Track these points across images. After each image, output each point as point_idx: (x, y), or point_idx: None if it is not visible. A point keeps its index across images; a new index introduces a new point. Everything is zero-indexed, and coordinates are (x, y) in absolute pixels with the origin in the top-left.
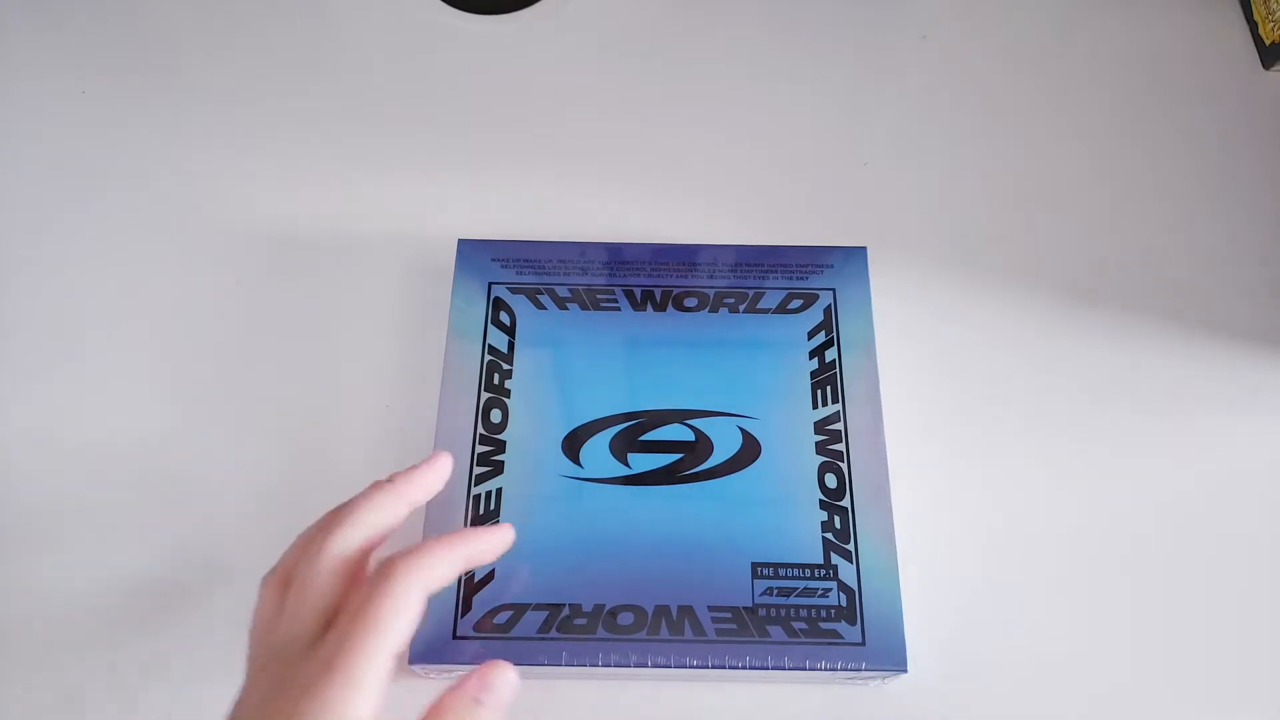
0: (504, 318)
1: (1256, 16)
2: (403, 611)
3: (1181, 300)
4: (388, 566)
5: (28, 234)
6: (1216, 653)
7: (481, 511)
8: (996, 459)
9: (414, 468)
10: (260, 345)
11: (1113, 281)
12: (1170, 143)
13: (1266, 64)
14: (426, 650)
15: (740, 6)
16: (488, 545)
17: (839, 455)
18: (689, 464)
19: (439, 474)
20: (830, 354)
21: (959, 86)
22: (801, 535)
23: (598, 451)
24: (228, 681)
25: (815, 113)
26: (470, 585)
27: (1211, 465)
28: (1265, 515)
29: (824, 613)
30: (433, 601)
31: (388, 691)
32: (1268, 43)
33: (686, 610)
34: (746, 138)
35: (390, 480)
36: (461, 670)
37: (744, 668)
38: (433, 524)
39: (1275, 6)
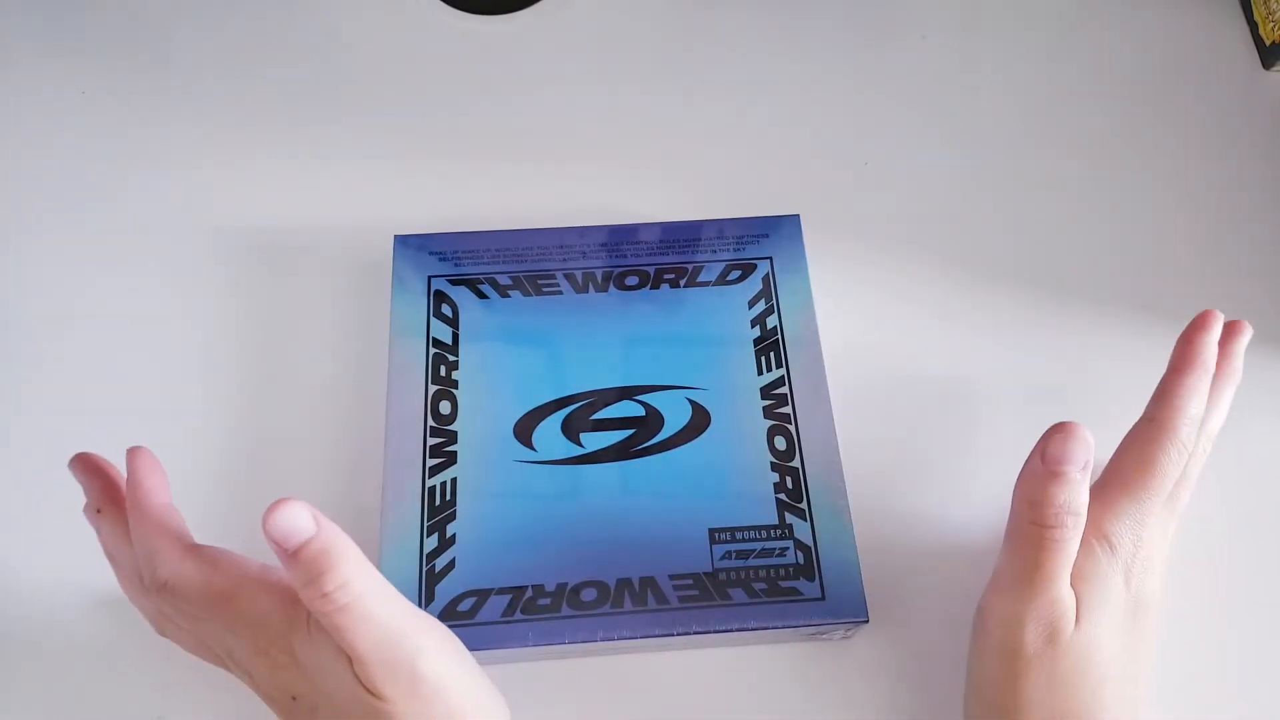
0: (446, 310)
1: (1256, 16)
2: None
3: (1181, 300)
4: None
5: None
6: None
7: (438, 502)
8: (940, 414)
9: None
10: (228, 351)
11: (1111, 280)
12: (1170, 142)
13: (1266, 64)
14: None
15: (739, 8)
16: (142, 485)
17: (786, 418)
18: (641, 439)
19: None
20: (771, 320)
21: (957, 85)
22: (756, 498)
23: (550, 434)
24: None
25: (816, 114)
26: (432, 576)
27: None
28: (1266, 516)
29: (782, 571)
30: None
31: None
32: (1268, 43)
33: (649, 581)
34: (745, 138)
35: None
36: None
37: (708, 632)
38: (389, 520)
39: (1275, 6)
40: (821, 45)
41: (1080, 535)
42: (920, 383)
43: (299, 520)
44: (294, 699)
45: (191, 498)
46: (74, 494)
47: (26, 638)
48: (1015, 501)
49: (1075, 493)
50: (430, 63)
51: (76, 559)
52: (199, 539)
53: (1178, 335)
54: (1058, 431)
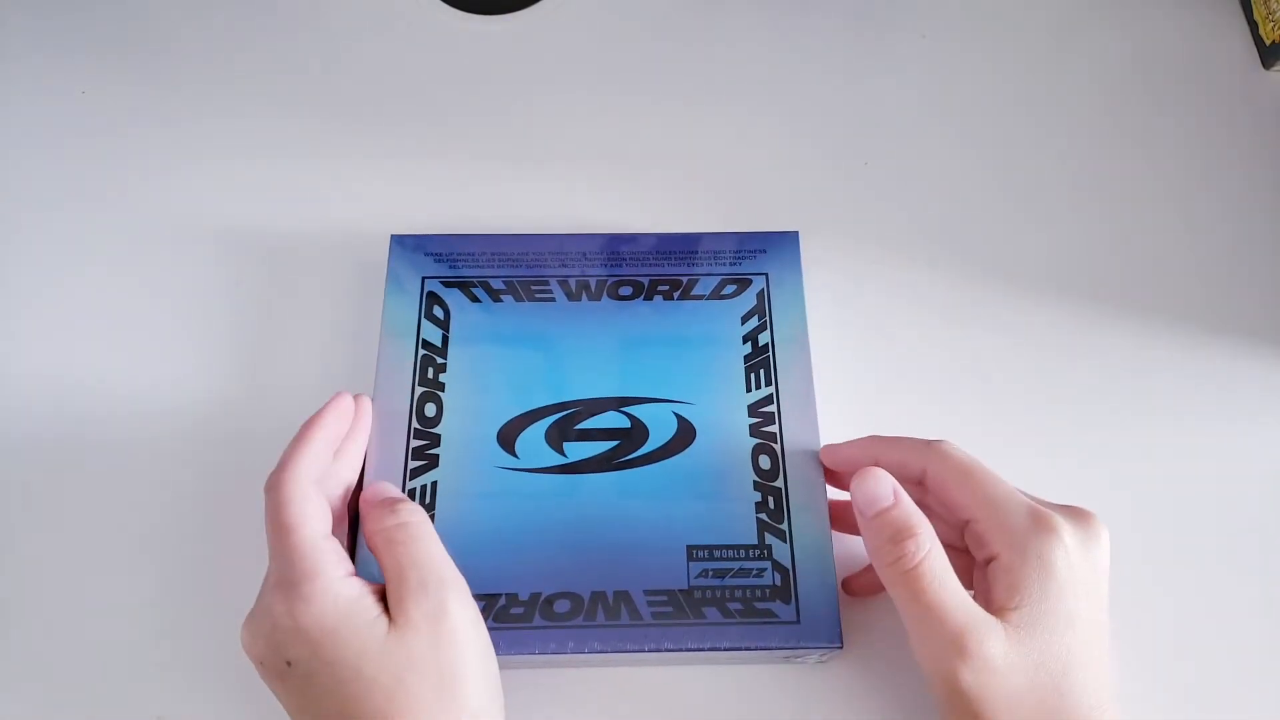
0: (438, 312)
1: (1256, 16)
2: (294, 508)
3: (1180, 300)
4: (267, 483)
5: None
6: (1187, 650)
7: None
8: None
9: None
10: (225, 350)
11: (1110, 281)
12: (1170, 143)
13: (1266, 64)
14: None
15: (738, 9)
16: (332, 423)
17: (772, 437)
18: (625, 450)
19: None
20: (763, 338)
21: (957, 85)
22: (736, 517)
23: (533, 442)
24: None
25: (815, 114)
26: None
27: (1203, 467)
28: (1261, 517)
29: (759, 592)
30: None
31: (333, 571)
32: (1268, 43)
33: (623, 595)
34: (745, 138)
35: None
36: None
37: (680, 650)
38: None
39: (1275, 6)
40: (822, 44)
41: (937, 546)
42: (910, 407)
43: None
44: (289, 664)
45: (182, 493)
46: (71, 495)
47: (27, 637)
48: (873, 563)
49: (898, 517)
50: (430, 63)
51: (76, 559)
52: (190, 534)
53: (1177, 336)
54: (855, 481)
